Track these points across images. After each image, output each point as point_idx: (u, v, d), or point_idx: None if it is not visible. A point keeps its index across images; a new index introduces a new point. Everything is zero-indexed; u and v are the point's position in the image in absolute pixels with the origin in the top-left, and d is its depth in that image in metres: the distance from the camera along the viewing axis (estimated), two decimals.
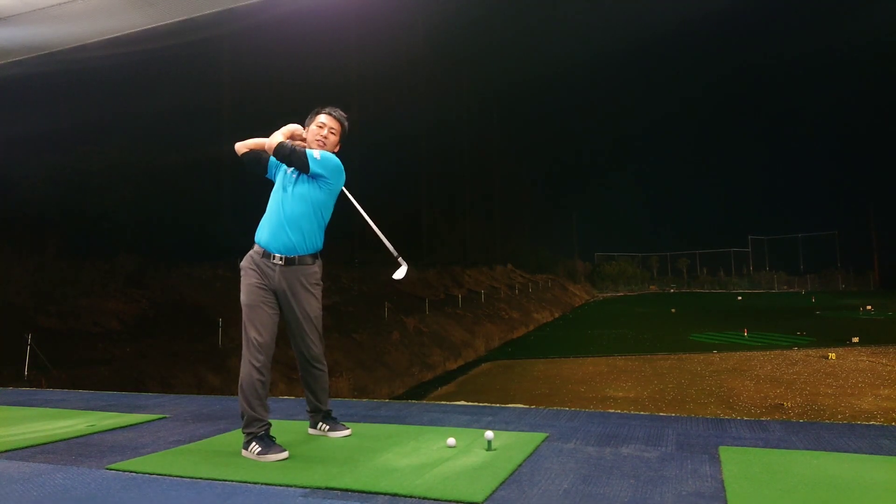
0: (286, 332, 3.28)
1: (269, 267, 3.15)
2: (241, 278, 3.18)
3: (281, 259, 3.14)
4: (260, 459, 2.91)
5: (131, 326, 14.45)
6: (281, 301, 3.19)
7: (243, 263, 3.21)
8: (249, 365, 3.04)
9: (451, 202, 43.88)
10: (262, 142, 3.30)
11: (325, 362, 3.36)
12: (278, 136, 3.24)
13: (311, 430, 3.49)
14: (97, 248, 16.93)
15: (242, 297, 3.14)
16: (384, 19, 30.92)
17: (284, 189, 3.23)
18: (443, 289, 30.85)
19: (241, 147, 3.34)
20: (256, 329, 3.08)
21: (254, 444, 2.97)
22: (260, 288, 3.13)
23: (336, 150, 3.40)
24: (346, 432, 3.39)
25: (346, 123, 3.41)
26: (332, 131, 3.34)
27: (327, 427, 3.44)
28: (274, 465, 2.84)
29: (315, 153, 3.19)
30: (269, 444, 2.98)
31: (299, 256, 3.18)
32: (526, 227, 59.62)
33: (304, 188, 3.21)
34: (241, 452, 3.02)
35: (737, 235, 70.70)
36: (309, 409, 3.47)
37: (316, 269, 3.26)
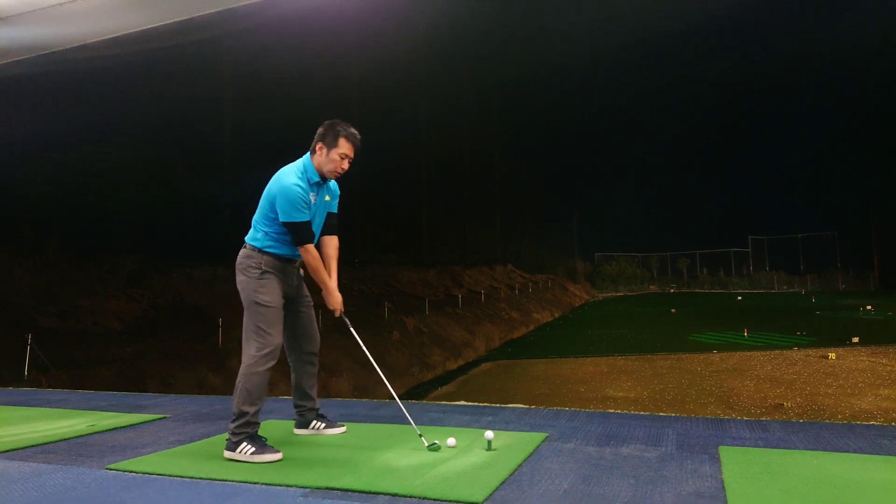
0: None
1: None
2: None
3: None
4: (254, 460, 2.89)
5: (132, 326, 14.45)
6: None
7: None
8: None
9: (451, 202, 43.82)
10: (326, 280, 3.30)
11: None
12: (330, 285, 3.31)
13: (300, 431, 3.44)
14: (98, 248, 16.94)
15: None
16: (384, 19, 30.90)
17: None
18: (443, 289, 30.82)
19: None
20: None
21: (245, 444, 2.96)
22: None
23: None
24: (342, 429, 3.45)
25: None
26: (350, 160, 3.28)
27: (322, 425, 3.44)
28: (274, 465, 2.85)
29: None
30: (262, 444, 2.99)
31: None
32: (526, 227, 59.46)
33: None
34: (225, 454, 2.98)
35: (737, 235, 70.31)
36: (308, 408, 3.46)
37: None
